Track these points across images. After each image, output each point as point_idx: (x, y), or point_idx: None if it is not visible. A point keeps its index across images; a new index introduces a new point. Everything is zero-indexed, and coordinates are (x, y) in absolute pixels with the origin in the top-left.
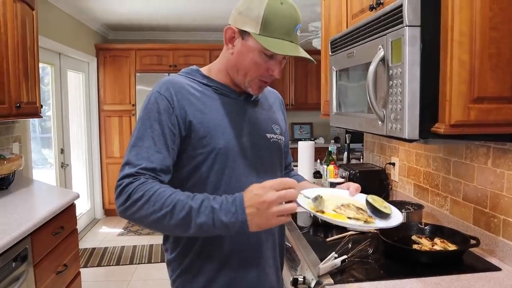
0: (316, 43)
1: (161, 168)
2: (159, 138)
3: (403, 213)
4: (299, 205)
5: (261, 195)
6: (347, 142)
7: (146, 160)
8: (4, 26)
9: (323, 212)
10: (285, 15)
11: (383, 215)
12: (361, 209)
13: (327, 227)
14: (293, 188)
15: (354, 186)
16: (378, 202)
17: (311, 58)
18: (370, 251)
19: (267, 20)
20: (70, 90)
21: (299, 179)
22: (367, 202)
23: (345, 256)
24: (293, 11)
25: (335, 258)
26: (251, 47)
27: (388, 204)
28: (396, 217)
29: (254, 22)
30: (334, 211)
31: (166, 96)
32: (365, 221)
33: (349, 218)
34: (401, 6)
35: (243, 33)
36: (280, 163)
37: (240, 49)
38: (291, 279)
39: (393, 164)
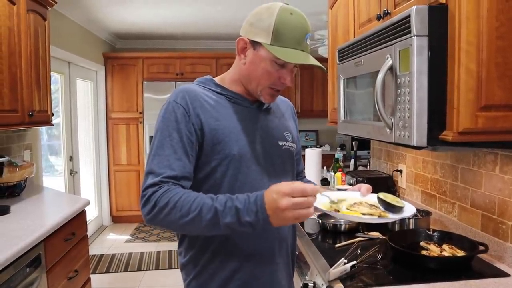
0: (322, 51)
1: (183, 175)
2: (178, 146)
3: (411, 219)
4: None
5: (276, 201)
6: (354, 149)
7: (168, 168)
8: (18, 36)
9: (337, 211)
10: (295, 25)
11: (397, 209)
12: (374, 206)
13: (336, 233)
14: (311, 195)
15: (366, 186)
16: (389, 197)
17: (322, 66)
18: (379, 257)
19: (278, 30)
20: (78, 98)
21: None
22: (379, 199)
23: (354, 262)
24: (302, 21)
25: (345, 263)
26: (262, 56)
27: (400, 199)
28: (409, 209)
29: (265, 32)
30: (348, 209)
31: (182, 104)
32: (379, 216)
33: (363, 214)
34: (409, 16)
35: (255, 44)
36: (292, 169)
37: (252, 59)
38: (301, 284)
39: (400, 171)
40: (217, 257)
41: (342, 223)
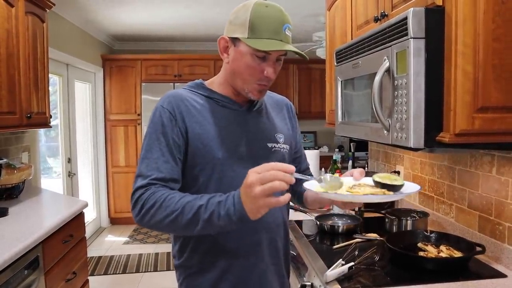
0: (320, 53)
1: (171, 177)
2: (166, 149)
3: (409, 220)
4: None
5: (245, 181)
6: (352, 150)
7: (156, 170)
8: (16, 38)
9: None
10: (270, 16)
11: (397, 188)
12: (375, 187)
13: (333, 235)
14: (281, 169)
15: (358, 170)
16: (385, 178)
17: (302, 53)
18: (377, 258)
19: (253, 23)
20: (77, 100)
21: None
22: (376, 182)
23: (352, 263)
24: (279, 13)
25: (342, 265)
26: (243, 51)
27: (396, 176)
28: (411, 186)
29: (242, 27)
30: (348, 192)
31: (168, 109)
32: (384, 194)
33: (365, 194)
34: (406, 18)
35: (235, 40)
36: None
37: (234, 56)
38: (299, 286)
39: (398, 172)
40: (207, 258)
41: (340, 224)
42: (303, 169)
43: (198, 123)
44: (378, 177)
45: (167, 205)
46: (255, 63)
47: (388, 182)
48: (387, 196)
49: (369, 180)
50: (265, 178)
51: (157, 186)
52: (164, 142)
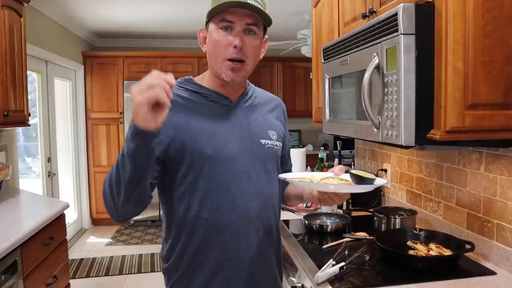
0: (305, 51)
1: None
2: None
3: (397, 219)
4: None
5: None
6: (338, 148)
7: None
8: None
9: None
10: None
11: (368, 181)
12: (346, 180)
13: (322, 234)
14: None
15: (338, 167)
16: (360, 172)
17: (258, 6)
18: (367, 257)
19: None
20: (56, 98)
21: None
22: (351, 174)
23: (343, 263)
24: None
25: (333, 265)
26: (211, 31)
27: (370, 173)
28: (380, 181)
29: (209, 11)
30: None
31: None
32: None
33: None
34: (396, 14)
35: (207, 25)
36: (276, 169)
37: (208, 40)
38: (289, 287)
39: (385, 170)
40: (195, 263)
41: (328, 223)
42: (287, 169)
43: (185, 118)
44: (354, 171)
45: (109, 184)
46: (220, 37)
47: (361, 175)
48: (351, 187)
49: (346, 176)
50: (145, 84)
51: None
52: None
